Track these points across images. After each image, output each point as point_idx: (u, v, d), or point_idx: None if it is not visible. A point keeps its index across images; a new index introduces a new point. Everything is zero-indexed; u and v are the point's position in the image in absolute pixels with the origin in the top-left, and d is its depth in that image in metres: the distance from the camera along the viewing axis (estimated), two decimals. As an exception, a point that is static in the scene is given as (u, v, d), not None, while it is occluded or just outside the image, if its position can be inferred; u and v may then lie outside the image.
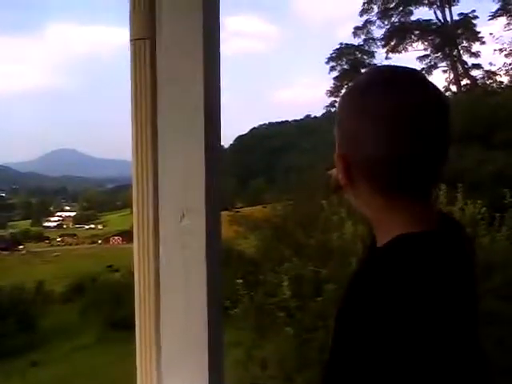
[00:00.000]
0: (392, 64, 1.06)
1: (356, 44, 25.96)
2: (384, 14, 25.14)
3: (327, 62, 25.94)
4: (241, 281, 5.96)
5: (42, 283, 32.30)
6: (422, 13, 32.01)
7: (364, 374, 0.76)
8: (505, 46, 22.50)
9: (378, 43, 25.82)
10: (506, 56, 22.88)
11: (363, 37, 25.90)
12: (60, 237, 69.36)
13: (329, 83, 26.19)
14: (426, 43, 25.29)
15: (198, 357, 1.35)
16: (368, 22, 25.63)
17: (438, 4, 24.55)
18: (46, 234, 70.49)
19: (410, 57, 26.38)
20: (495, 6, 23.09)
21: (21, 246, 58.42)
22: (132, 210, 1.40)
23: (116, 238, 59.27)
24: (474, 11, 24.51)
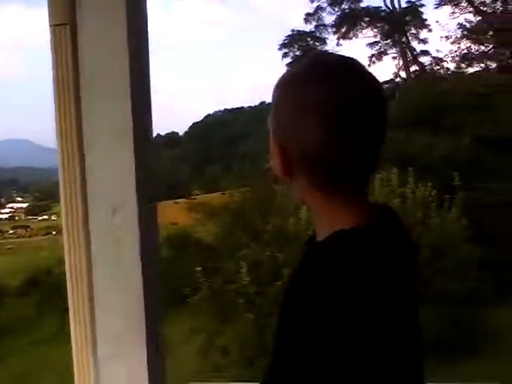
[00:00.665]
0: (336, 51, 1.05)
1: (308, 30, 26.04)
2: (334, 1, 25.25)
3: (280, 49, 25.93)
4: (200, 268, 5.96)
5: (-5, 277, 31.13)
6: (371, 0, 32.50)
7: (309, 371, 0.75)
8: (450, 33, 23.15)
9: (330, 30, 25.96)
10: (452, 43, 23.56)
11: (314, 23, 25.98)
12: (12, 229, 66.76)
13: (282, 70, 26.25)
14: (375, 30, 25.61)
15: (136, 359, 1.30)
16: (319, 9, 25.69)
17: (387, -9, 24.91)
18: (-3, 227, 67.82)
19: (361, 43, 26.67)
20: (441, -5, 23.73)
21: (-29, 240, 55.96)
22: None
23: (69, 229, 57.48)
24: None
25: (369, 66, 25.88)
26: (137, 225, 1.28)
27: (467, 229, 6.82)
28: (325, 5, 25.59)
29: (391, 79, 25.40)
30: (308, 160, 0.83)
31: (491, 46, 22.28)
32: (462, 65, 22.81)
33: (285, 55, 25.85)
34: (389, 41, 25.74)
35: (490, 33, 22.16)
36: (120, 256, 1.30)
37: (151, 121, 1.43)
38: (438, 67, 23.73)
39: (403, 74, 25.04)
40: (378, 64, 25.96)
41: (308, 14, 26.04)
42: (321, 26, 26.14)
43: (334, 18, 25.73)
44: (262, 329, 5.26)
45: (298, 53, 25.95)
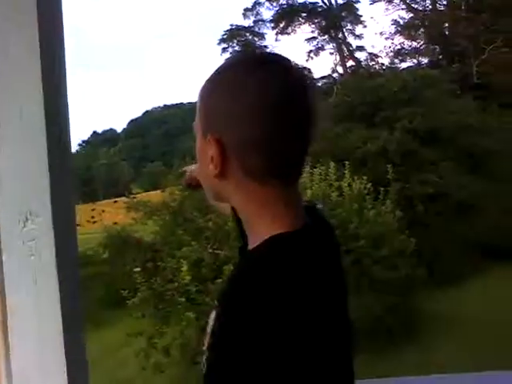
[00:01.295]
0: (275, 47, 1.05)
1: (246, 26, 26.10)
2: (272, -4, 25.47)
3: (219, 44, 25.86)
4: (139, 269, 5.85)
5: None
6: (308, -5, 32.94)
7: (246, 376, 0.75)
8: (385, 29, 23.94)
9: (268, 25, 26.15)
10: (386, 39, 24.35)
11: (253, 18, 26.11)
12: None
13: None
14: (313, 26, 26.03)
15: (55, 375, 1.21)
16: (257, 4, 25.84)
17: (323, -13, 25.34)
18: None
19: (299, 39, 27.01)
20: (375, -9, 24.47)
21: None
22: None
23: None
24: (355, -5, 25.70)
25: (307, 61, 26.29)
26: (52, 233, 1.19)
27: (401, 219, 7.07)
28: (263, 0, 25.74)
29: (328, 74, 25.88)
30: (246, 149, 0.82)
31: (422, 42, 23.19)
32: (396, 60, 23.64)
33: (224, 50, 25.80)
34: (326, 36, 26.21)
35: (422, 29, 23.05)
36: (35, 270, 1.23)
37: (68, 119, 1.34)
38: (374, 63, 24.47)
39: (340, 70, 25.61)
40: (316, 59, 26.40)
41: (246, 9, 26.11)
42: (259, 21, 26.28)
43: (272, 13, 25.90)
44: (203, 327, 5.24)
45: (237, 48, 25.96)
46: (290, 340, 0.75)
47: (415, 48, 23.47)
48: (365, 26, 25.25)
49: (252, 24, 26.09)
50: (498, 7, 16.74)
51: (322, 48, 26.00)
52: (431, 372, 5.39)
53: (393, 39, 23.85)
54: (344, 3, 25.76)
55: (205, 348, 0.87)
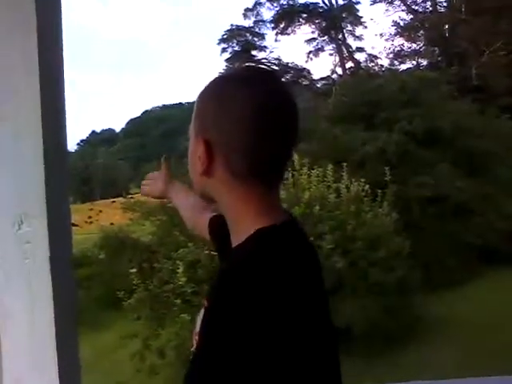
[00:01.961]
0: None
1: (246, 26, 26.08)
2: (273, -3, 25.45)
3: (219, 44, 25.84)
4: (134, 270, 5.83)
5: None
6: (308, -4, 32.94)
7: (234, 370, 0.77)
8: (385, 30, 23.94)
9: (268, 25, 26.14)
10: (386, 40, 24.36)
11: (253, 19, 26.10)
12: None
13: (221, 65, 26.21)
14: (313, 26, 26.03)
15: (48, 379, 1.21)
16: (258, 4, 25.83)
17: (324, -12, 25.32)
18: None
19: (299, 39, 26.99)
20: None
21: None
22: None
23: None
24: (356, -4, 25.70)
25: (306, 62, 26.29)
26: (46, 236, 1.19)
27: (397, 222, 7.05)
28: (263, 0, 25.72)
29: (328, 76, 25.89)
30: (231, 153, 0.89)
31: (422, 44, 23.19)
32: (396, 62, 23.64)
33: (223, 50, 25.79)
34: (326, 37, 26.21)
35: (421, 31, 23.04)
36: (29, 273, 1.20)
37: (65, 121, 1.33)
38: (373, 64, 24.47)
39: (339, 71, 25.60)
40: (316, 60, 26.46)
41: (247, 9, 26.10)
42: (260, 21, 26.29)
43: (272, 13, 25.90)
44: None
45: (236, 48, 25.96)
46: (282, 333, 0.78)
47: (415, 50, 23.48)
48: (365, 27, 25.28)
49: (252, 24, 26.11)
50: (498, 10, 16.74)
51: (321, 49, 26.03)
52: (428, 376, 5.40)
53: (393, 41, 23.88)
54: (344, 4, 25.74)
55: (193, 349, 0.87)
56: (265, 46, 26.13)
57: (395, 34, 23.70)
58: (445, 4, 22.78)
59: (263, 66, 1.01)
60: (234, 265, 0.86)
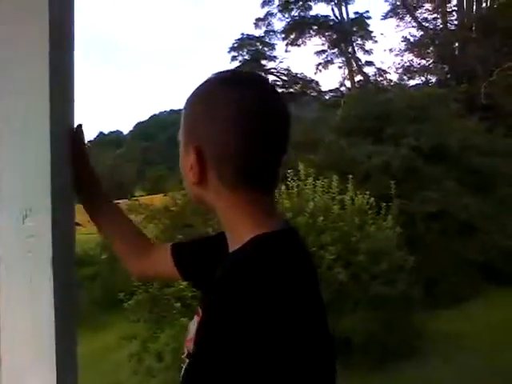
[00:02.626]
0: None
1: (257, 35, 26.21)
2: (285, 7, 25.59)
3: (229, 52, 25.95)
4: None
5: None
6: (320, 9, 33.14)
7: (233, 373, 0.76)
8: (395, 46, 24.04)
9: (279, 36, 26.25)
10: (396, 56, 24.43)
11: (264, 28, 26.22)
12: None
13: (231, 72, 26.23)
14: (323, 38, 26.10)
15: (45, 376, 1.18)
16: (269, 14, 25.96)
17: (336, 1, 25.47)
18: None
19: (309, 51, 27.15)
20: (387, 8, 24.63)
21: None
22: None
23: None
24: (367, 11, 25.89)
25: (315, 73, 26.36)
26: (50, 231, 1.17)
27: (401, 236, 7.04)
28: (275, 11, 25.88)
29: (336, 88, 25.95)
30: (222, 161, 0.88)
31: (431, 61, 23.24)
32: (404, 77, 23.69)
33: (233, 58, 25.91)
34: (335, 50, 26.30)
35: (431, 48, 23.11)
36: (31, 267, 1.19)
37: (73, 117, 1.33)
38: (382, 78, 24.52)
39: (348, 84, 25.67)
40: (325, 72, 26.51)
41: (258, 19, 26.23)
42: (270, 31, 26.40)
43: (283, 24, 26.03)
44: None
45: (246, 57, 26.07)
46: (280, 340, 0.78)
47: (424, 66, 23.53)
48: (375, 42, 25.37)
49: (263, 34, 26.22)
50: (508, 30, 16.78)
51: (331, 61, 26.10)
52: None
53: (402, 56, 23.94)
54: (355, 18, 25.85)
55: (184, 356, 0.86)
56: (275, 56, 26.24)
57: (405, 50, 23.80)
58: (455, 22, 22.83)
59: (252, 71, 1.04)
60: (229, 271, 0.84)
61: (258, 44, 26.34)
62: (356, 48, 26.07)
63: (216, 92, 0.90)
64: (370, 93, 15.19)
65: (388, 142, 10.31)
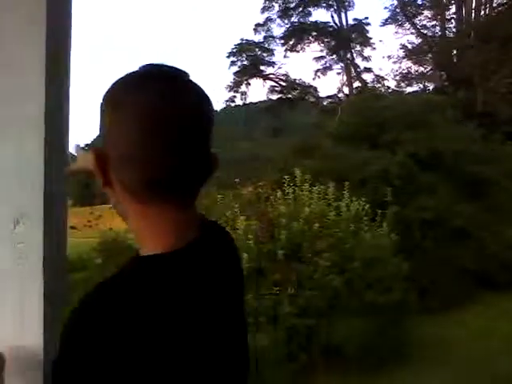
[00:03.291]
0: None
1: (256, 41, 26.28)
2: (284, 13, 25.68)
3: (228, 57, 26.00)
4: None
5: None
6: (320, 15, 33.25)
7: None
8: (393, 53, 24.14)
9: (278, 41, 26.32)
10: (394, 63, 24.54)
11: (263, 34, 26.29)
12: None
13: (229, 78, 26.39)
14: (322, 45, 26.20)
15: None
16: (269, 20, 26.04)
17: (335, 8, 25.56)
18: None
19: (308, 57, 27.15)
20: (386, 14, 24.75)
21: None
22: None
23: None
24: (366, 18, 25.97)
25: (313, 79, 26.45)
26: (41, 238, 1.19)
27: (396, 243, 7.04)
28: (275, 16, 25.97)
29: (334, 94, 26.01)
30: (122, 166, 0.81)
31: (429, 68, 23.32)
32: (402, 84, 23.76)
33: (232, 64, 25.96)
34: (334, 56, 26.39)
35: (429, 55, 23.19)
36: (22, 273, 1.20)
37: (68, 121, 1.33)
38: (380, 85, 24.59)
39: (346, 90, 25.73)
40: (323, 78, 26.59)
41: (258, 25, 26.31)
42: (270, 37, 26.48)
43: (283, 30, 26.11)
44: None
45: (245, 62, 26.13)
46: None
47: (422, 73, 23.61)
48: (373, 49, 25.49)
49: (262, 39, 26.28)
50: (507, 38, 16.86)
51: (329, 67, 26.20)
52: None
53: (400, 63, 24.03)
54: (354, 24, 25.94)
55: None
56: (273, 62, 26.31)
57: (403, 57, 23.89)
58: (454, 29, 22.93)
59: (171, 65, 0.87)
60: (84, 297, 0.76)
61: (257, 49, 26.40)
62: (355, 54, 26.19)
63: (121, 92, 0.83)
64: (367, 99, 15.22)
65: (385, 149, 10.32)
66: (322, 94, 26.95)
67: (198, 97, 0.85)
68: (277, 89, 26.14)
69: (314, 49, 26.21)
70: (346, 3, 25.13)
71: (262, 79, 26.10)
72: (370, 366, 5.99)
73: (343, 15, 25.75)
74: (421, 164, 10.05)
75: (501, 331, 7.04)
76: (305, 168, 7.89)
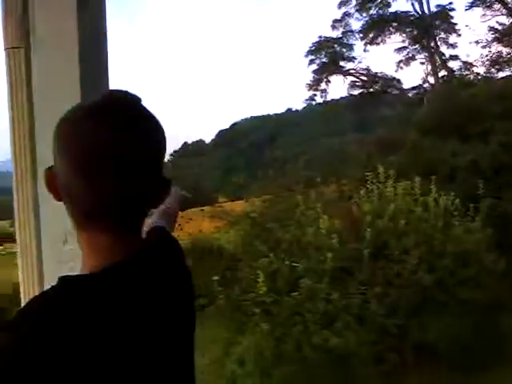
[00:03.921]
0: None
1: (335, 37, 25.95)
2: (362, 7, 25.15)
3: (306, 55, 25.90)
4: (217, 277, 5.96)
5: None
6: (399, 5, 32.17)
7: None
8: (481, 37, 22.76)
9: (357, 36, 25.82)
10: (483, 47, 23.14)
11: (342, 29, 25.90)
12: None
13: (308, 76, 26.27)
14: (403, 35, 25.32)
15: None
16: (346, 15, 25.61)
17: (416, -4, 24.63)
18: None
19: (389, 49, 26.42)
20: (471, -3, 23.40)
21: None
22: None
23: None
24: (451, 3, 24.75)
25: (396, 71, 25.66)
26: None
27: (491, 238, 6.65)
28: (352, 11, 25.51)
29: (419, 85, 25.07)
30: (64, 193, 0.86)
31: (523, 50, 21.80)
32: (493, 69, 22.38)
33: (311, 62, 25.83)
34: (417, 46, 25.43)
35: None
36: None
37: None
38: (468, 72, 23.34)
39: (431, 80, 24.69)
40: (406, 69, 25.69)
41: (335, 21, 25.98)
42: (348, 32, 26.05)
43: (361, 23, 25.58)
44: (277, 339, 5.23)
45: (324, 59, 25.90)
46: None
47: (515, 56, 22.11)
48: (459, 35, 24.17)
49: (340, 35, 25.90)
50: None
51: (412, 58, 25.26)
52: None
53: (490, 47, 22.62)
54: (437, 11, 24.84)
55: None
56: (353, 57, 25.83)
57: (492, 41, 22.47)
58: (550, 6, 21.25)
59: (126, 94, 0.88)
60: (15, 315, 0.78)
61: (336, 45, 26.06)
62: (439, 42, 25.05)
63: (63, 125, 0.86)
64: (454, 88, 14.51)
65: (474, 139, 9.79)
66: (406, 85, 26.10)
67: (144, 130, 0.86)
68: (358, 84, 25.66)
69: (395, 40, 25.43)
70: (428, -10, 24.15)
71: (342, 75, 25.75)
72: (467, 366, 5.70)
73: (425, 2, 24.78)
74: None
75: None
76: (389, 163, 7.68)
